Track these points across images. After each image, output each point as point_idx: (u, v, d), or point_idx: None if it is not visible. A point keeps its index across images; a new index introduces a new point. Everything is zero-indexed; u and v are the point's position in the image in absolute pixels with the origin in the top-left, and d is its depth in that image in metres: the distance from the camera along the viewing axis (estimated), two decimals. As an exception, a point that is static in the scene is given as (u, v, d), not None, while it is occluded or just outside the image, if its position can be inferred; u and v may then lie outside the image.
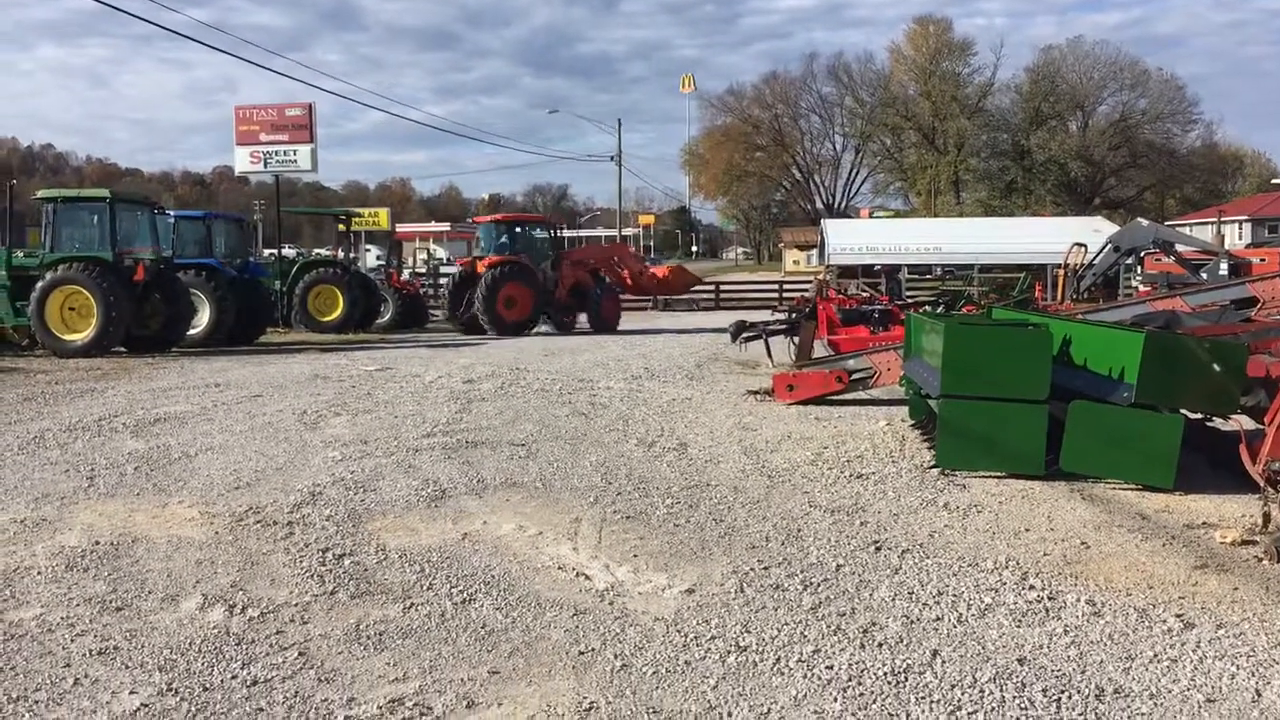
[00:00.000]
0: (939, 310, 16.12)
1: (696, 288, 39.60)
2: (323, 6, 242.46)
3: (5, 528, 6.83)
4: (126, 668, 4.55)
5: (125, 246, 18.92)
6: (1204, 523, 6.84)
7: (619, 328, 26.23)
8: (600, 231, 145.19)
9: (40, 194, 20.00)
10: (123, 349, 18.90)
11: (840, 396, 12.18)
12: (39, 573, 5.88)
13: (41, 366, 16.99)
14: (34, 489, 7.95)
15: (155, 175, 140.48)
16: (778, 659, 4.62)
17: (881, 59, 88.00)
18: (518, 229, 26.50)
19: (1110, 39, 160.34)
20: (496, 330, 24.42)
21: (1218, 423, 8.43)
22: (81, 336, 18.17)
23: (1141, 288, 28.21)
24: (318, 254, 43.38)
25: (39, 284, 18.18)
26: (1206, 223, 56.51)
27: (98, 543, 6.45)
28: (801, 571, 5.84)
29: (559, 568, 5.96)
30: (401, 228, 65.30)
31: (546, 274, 25.60)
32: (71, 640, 4.87)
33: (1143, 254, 27.29)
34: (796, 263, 75.27)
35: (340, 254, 28.05)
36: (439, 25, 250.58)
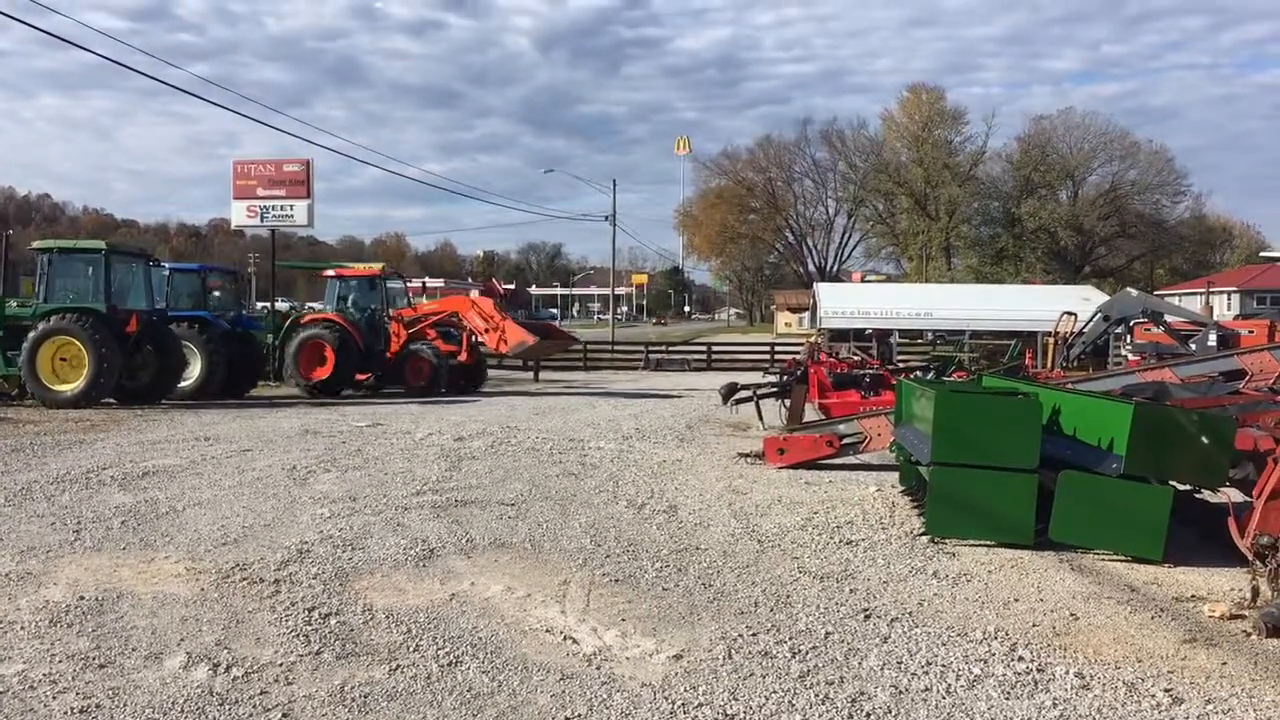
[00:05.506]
0: (929, 376, 16.18)
1: (682, 349, 39.07)
2: (326, 63, 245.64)
3: (-11, 581, 6.78)
4: (108, 727, 4.50)
5: (119, 299, 18.95)
6: (1193, 595, 6.84)
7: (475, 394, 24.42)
8: (594, 290, 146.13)
9: (36, 244, 20.08)
10: (112, 400, 18.86)
11: (830, 461, 12.18)
12: (22, 628, 5.82)
13: (30, 417, 16.93)
14: (20, 542, 7.89)
15: (151, 227, 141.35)
16: (765, 728, 4.58)
17: (875, 125, 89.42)
18: (351, 284, 25.65)
19: (1103, 110, 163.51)
20: (301, 389, 23.37)
21: (1206, 495, 8.45)
22: (72, 387, 18.13)
23: (1131, 357, 28.34)
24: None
25: (31, 334, 18.17)
26: (1195, 293, 57.02)
27: (82, 598, 6.41)
28: (790, 638, 5.81)
29: (546, 630, 5.92)
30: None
31: (377, 332, 24.33)
32: (53, 698, 4.81)
33: (1132, 324, 27.47)
34: (788, 325, 75.77)
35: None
36: (442, 84, 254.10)
